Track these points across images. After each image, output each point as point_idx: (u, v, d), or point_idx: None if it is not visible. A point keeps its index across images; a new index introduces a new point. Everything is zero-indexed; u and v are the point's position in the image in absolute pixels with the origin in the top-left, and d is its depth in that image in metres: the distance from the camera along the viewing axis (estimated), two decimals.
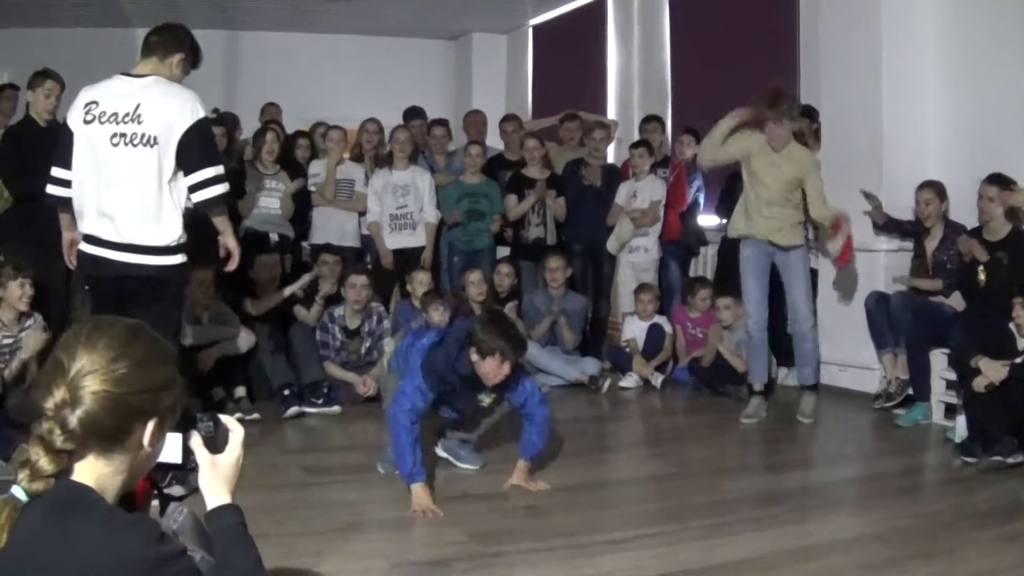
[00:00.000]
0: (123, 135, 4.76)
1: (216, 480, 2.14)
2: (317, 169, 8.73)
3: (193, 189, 4.88)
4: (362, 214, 8.78)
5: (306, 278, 7.55)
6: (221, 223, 5.16)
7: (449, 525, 4.47)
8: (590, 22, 12.26)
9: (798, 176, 6.74)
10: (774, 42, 9.34)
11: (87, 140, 4.81)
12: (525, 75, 13.84)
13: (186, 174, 4.86)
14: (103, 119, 4.79)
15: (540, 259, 8.62)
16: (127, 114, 4.77)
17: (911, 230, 7.13)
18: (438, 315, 7.52)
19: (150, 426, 1.93)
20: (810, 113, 8.03)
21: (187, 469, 2.15)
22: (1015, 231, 6.44)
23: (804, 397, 6.95)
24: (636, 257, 8.89)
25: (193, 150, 4.83)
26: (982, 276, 6.43)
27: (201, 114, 4.87)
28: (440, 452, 5.56)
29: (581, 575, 3.89)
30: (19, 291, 6.05)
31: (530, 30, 13.71)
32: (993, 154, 6.77)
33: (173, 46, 5.03)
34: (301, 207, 8.61)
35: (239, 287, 7.56)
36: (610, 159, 9.96)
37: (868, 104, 7.38)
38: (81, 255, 5.02)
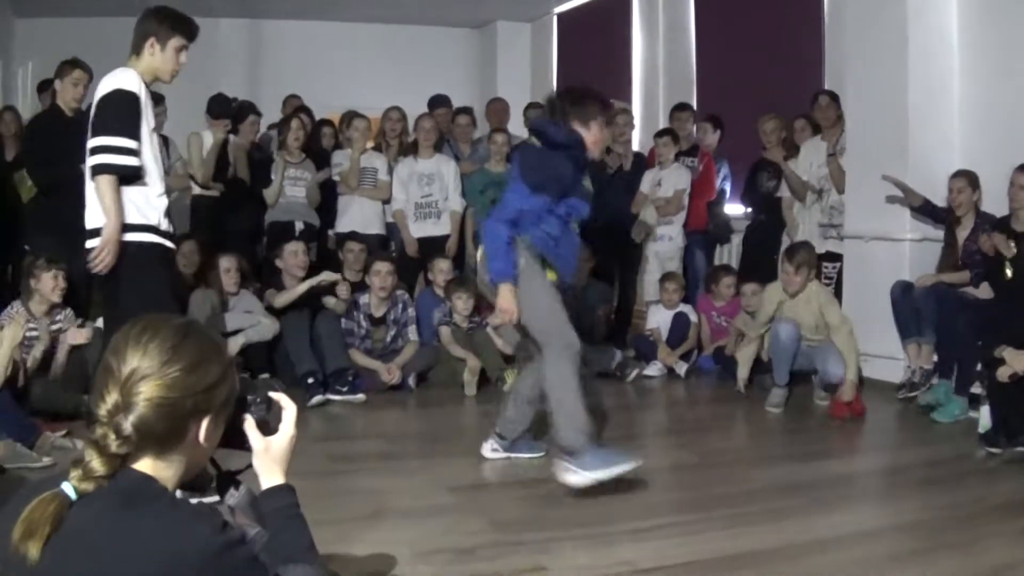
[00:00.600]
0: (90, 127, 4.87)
1: (269, 462, 2.16)
2: (340, 159, 8.76)
3: (90, 153, 4.80)
4: (386, 202, 8.80)
5: (327, 277, 7.49)
6: (104, 197, 4.75)
7: (472, 514, 4.49)
8: (615, 9, 12.22)
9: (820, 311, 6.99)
10: (800, 29, 9.30)
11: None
12: (549, 63, 13.81)
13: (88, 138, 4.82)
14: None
15: None
16: (91, 105, 4.94)
17: (944, 217, 7.11)
18: (462, 303, 7.55)
19: (205, 423, 1.95)
20: (836, 98, 8.02)
21: (243, 449, 2.16)
22: None
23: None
24: (661, 246, 8.89)
25: (97, 114, 4.80)
26: (1008, 271, 6.40)
27: (111, 87, 4.78)
28: (496, 454, 5.43)
29: (603, 564, 3.89)
30: (52, 283, 6.11)
31: (555, 18, 13.67)
32: (1020, 142, 6.74)
33: (142, 34, 4.92)
34: (327, 196, 8.65)
35: (267, 276, 7.62)
36: (635, 147, 9.94)
37: (894, 92, 7.34)
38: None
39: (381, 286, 7.43)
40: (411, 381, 7.46)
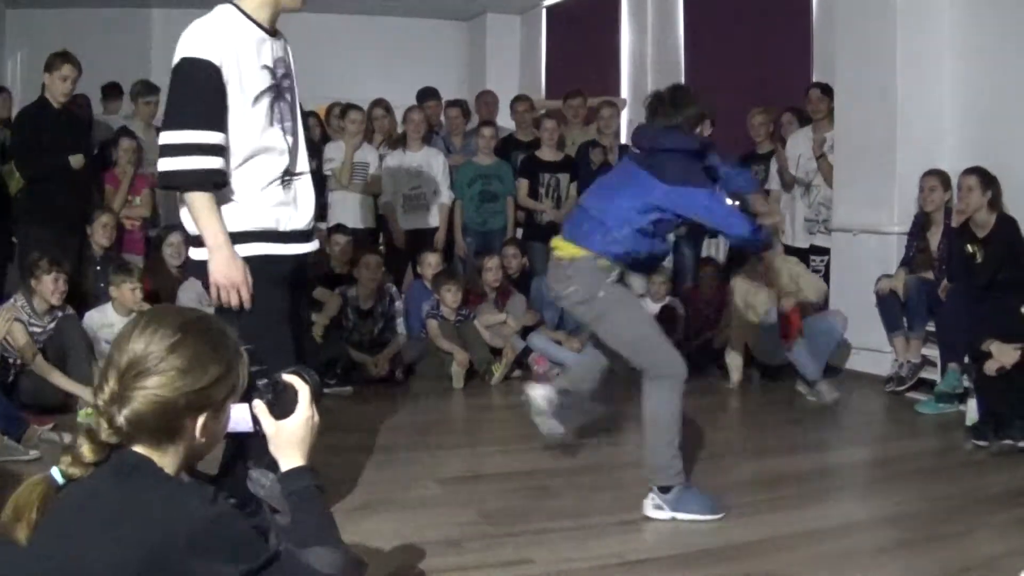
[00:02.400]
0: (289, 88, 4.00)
1: (285, 445, 2.13)
2: (332, 153, 8.67)
3: (159, 156, 3.60)
4: (377, 196, 8.78)
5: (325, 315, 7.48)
6: (199, 218, 3.58)
7: (461, 505, 4.49)
8: (604, 3, 12.21)
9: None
10: (789, 25, 9.31)
11: None
12: (539, 56, 13.79)
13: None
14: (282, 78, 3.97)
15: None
16: (285, 66, 3.98)
17: (917, 223, 7.14)
18: (450, 296, 7.55)
19: (201, 419, 1.93)
20: (828, 91, 8.03)
21: (259, 435, 2.13)
22: (1001, 219, 6.44)
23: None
24: None
25: (167, 104, 3.65)
26: (978, 256, 6.45)
27: (180, 55, 3.55)
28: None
29: (592, 556, 3.89)
30: (52, 285, 6.09)
31: (544, 11, 13.66)
32: (1008, 142, 6.77)
33: None
34: (316, 190, 8.61)
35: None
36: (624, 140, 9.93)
37: (883, 85, 7.36)
38: None
39: (370, 279, 7.42)
40: (399, 374, 7.45)
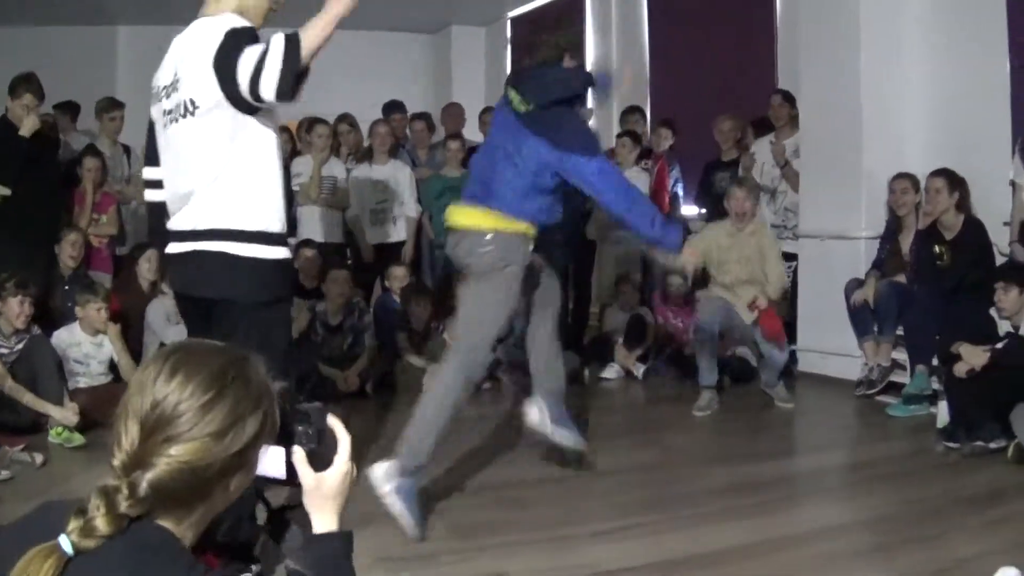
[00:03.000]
0: (168, 112, 3.68)
1: (321, 500, 1.88)
2: (300, 168, 8.64)
3: (252, 89, 3.49)
4: (345, 210, 8.75)
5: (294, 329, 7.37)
6: (319, 26, 3.80)
7: (433, 518, 4.46)
8: (568, 13, 12.24)
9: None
10: (753, 30, 9.34)
11: (156, 125, 3.83)
12: (504, 67, 13.79)
13: (238, 88, 3.50)
14: (158, 96, 3.77)
15: None
16: (171, 83, 3.68)
17: (889, 227, 7.16)
18: (420, 309, 7.52)
19: (235, 479, 1.70)
20: (789, 98, 8.07)
21: (293, 485, 1.88)
22: (968, 221, 6.48)
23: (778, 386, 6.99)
24: (619, 249, 8.88)
25: (223, 66, 3.48)
26: (946, 258, 6.49)
27: (224, 32, 3.54)
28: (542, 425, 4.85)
29: (566, 566, 3.88)
30: (18, 308, 6.01)
31: (508, 22, 13.68)
32: (973, 144, 6.82)
33: None
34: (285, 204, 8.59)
35: None
36: None
37: (847, 92, 7.39)
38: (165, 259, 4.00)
39: (338, 293, 7.39)
40: (369, 388, 7.41)
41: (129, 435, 1.62)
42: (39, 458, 5.21)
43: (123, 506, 1.58)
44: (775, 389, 6.91)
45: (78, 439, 5.74)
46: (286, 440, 1.84)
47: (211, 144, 3.59)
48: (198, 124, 3.57)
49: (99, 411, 6.08)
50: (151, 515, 1.61)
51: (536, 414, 4.78)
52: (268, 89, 3.47)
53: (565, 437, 4.87)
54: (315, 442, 1.86)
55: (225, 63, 3.46)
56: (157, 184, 3.92)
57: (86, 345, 6.39)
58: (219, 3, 3.71)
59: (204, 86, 3.52)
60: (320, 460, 1.87)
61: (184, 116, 3.59)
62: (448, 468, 5.31)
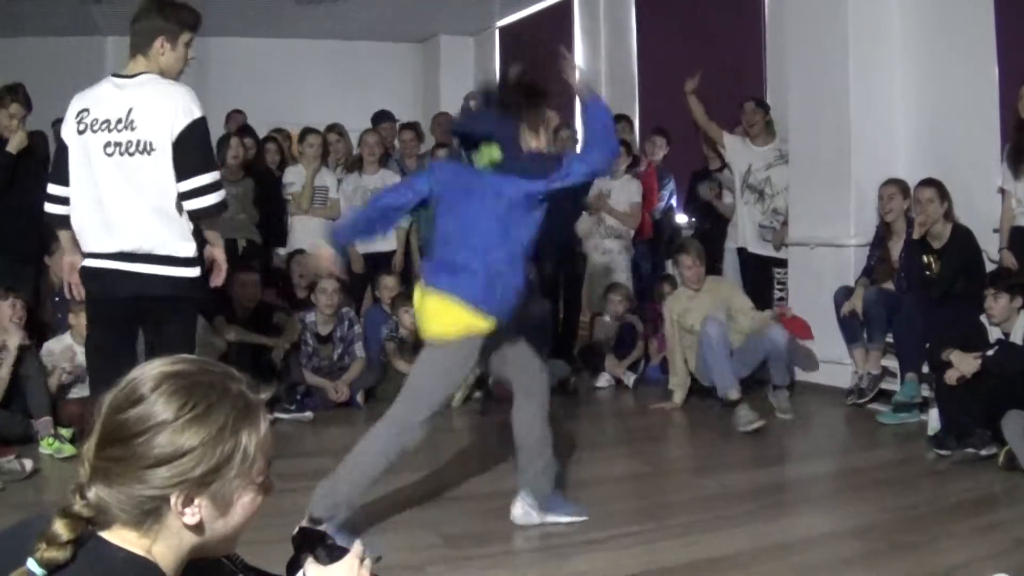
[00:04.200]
0: (117, 144, 4.35)
1: None
2: (292, 178, 8.67)
3: (185, 197, 4.39)
4: (336, 220, 8.75)
5: (269, 343, 7.38)
6: (212, 235, 4.69)
7: (422, 528, 4.45)
8: (557, 23, 12.26)
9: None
10: (741, 41, 9.36)
11: (82, 151, 4.42)
12: (492, 77, 13.78)
13: (178, 180, 4.37)
14: (95, 127, 4.39)
15: None
16: (119, 120, 4.36)
17: (878, 234, 7.17)
18: (409, 319, 7.50)
19: (177, 496, 1.58)
20: (762, 105, 8.10)
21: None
22: (956, 229, 6.49)
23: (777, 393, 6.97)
24: (609, 258, 8.88)
25: (186, 153, 4.36)
26: (935, 267, 6.51)
27: (197, 114, 4.40)
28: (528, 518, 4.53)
29: (557, 575, 3.87)
30: (9, 311, 6.00)
31: (497, 32, 13.69)
32: (961, 151, 6.84)
33: (149, 33, 4.47)
34: (271, 213, 8.59)
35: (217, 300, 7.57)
36: None
37: (835, 102, 7.41)
38: (84, 272, 4.57)
39: (327, 304, 7.37)
40: (359, 398, 7.40)
41: (91, 449, 1.59)
42: (28, 464, 5.19)
43: (76, 506, 1.55)
44: (778, 398, 6.86)
45: (69, 450, 5.72)
46: (304, 547, 1.85)
47: (162, 180, 4.38)
48: (154, 162, 4.36)
49: (91, 422, 6.06)
50: (106, 522, 1.57)
51: (520, 514, 4.50)
52: (192, 206, 4.43)
53: (561, 520, 4.53)
54: (328, 557, 1.83)
55: (183, 158, 4.37)
56: (62, 201, 4.56)
57: (80, 355, 6.36)
58: (147, 64, 4.48)
59: (162, 139, 4.35)
60: (327, 560, 1.83)
61: (141, 153, 4.35)
62: (436, 478, 5.31)
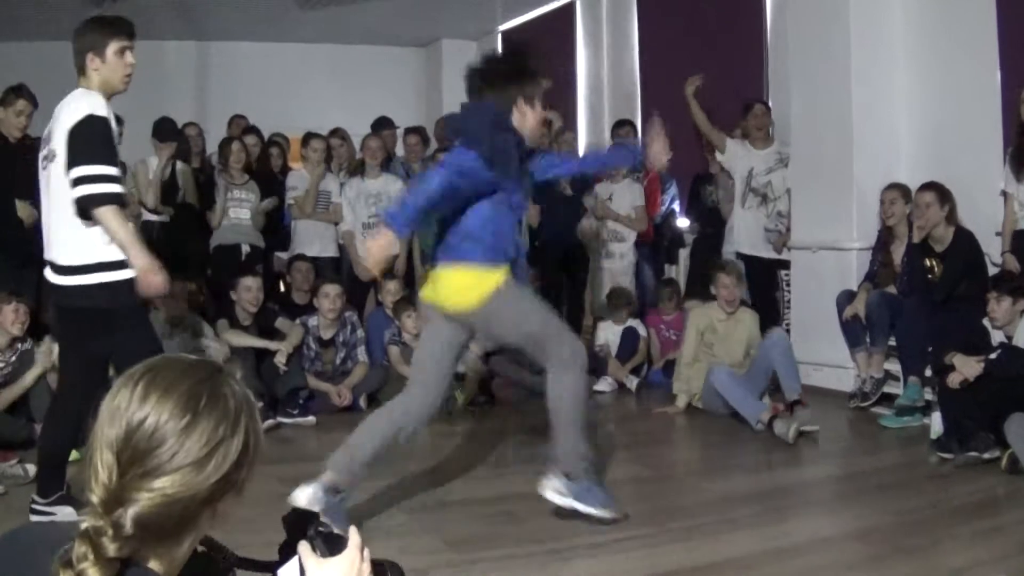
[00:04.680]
0: (44, 157, 4.49)
1: None
2: (295, 182, 8.69)
3: (74, 186, 4.27)
4: (338, 224, 8.77)
5: (272, 346, 7.34)
6: (111, 228, 4.31)
7: (426, 532, 4.45)
8: (559, 27, 12.25)
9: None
10: (742, 45, 9.35)
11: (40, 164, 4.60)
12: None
13: (66, 173, 4.30)
14: (41, 145, 4.59)
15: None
16: (46, 136, 4.52)
17: (880, 238, 7.17)
18: (411, 323, 7.51)
19: (223, 504, 1.58)
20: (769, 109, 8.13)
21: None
22: (958, 233, 6.48)
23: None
24: (612, 263, 8.89)
25: (72, 147, 4.29)
26: (937, 271, 6.51)
27: (85, 112, 4.32)
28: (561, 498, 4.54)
29: None
30: (12, 315, 6.00)
31: (499, 36, 13.68)
32: (964, 155, 6.84)
33: (79, 52, 4.52)
34: (273, 217, 8.62)
35: (217, 300, 7.58)
36: None
37: (837, 105, 7.41)
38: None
39: (330, 308, 7.38)
40: (362, 402, 7.40)
41: (106, 468, 1.49)
42: (32, 470, 5.18)
43: (111, 549, 1.44)
44: (801, 418, 6.39)
45: (73, 454, 5.71)
46: (297, 533, 1.76)
47: (65, 185, 4.32)
48: (58, 168, 4.36)
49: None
50: (140, 554, 1.49)
51: (552, 491, 4.50)
52: (76, 194, 4.29)
53: (589, 510, 4.47)
54: (324, 548, 1.73)
55: (73, 148, 4.31)
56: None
57: None
58: (89, 81, 4.51)
59: (61, 141, 4.34)
60: (326, 551, 1.73)
61: (50, 161, 4.42)
62: (440, 482, 5.31)
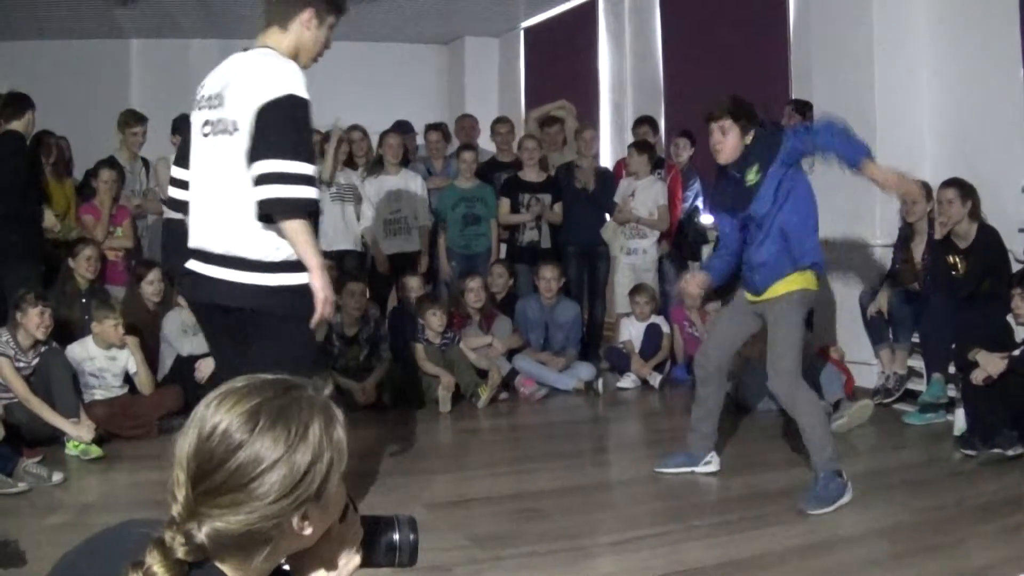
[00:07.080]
0: (210, 122, 3.88)
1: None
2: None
3: (257, 183, 3.70)
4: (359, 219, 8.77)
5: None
6: (298, 243, 3.77)
7: (450, 529, 4.46)
8: (581, 23, 12.25)
9: None
10: (766, 40, 9.33)
11: (192, 130, 4.02)
12: (517, 78, 13.82)
13: (248, 164, 3.72)
14: (200, 104, 3.97)
15: (535, 263, 8.57)
16: (213, 96, 3.89)
17: (902, 234, 7.14)
18: (435, 319, 7.52)
19: (298, 518, 1.54)
20: (802, 108, 8.06)
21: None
22: (982, 229, 6.45)
23: None
24: (635, 259, 8.88)
25: (261, 134, 3.70)
26: (960, 267, 6.48)
27: (286, 91, 3.71)
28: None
29: None
30: (37, 319, 6.03)
31: (521, 33, 13.70)
32: (986, 151, 6.81)
33: (289, 8, 4.01)
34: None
35: None
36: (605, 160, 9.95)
37: (860, 101, 7.37)
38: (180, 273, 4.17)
39: (354, 306, 7.39)
40: (386, 398, 7.41)
41: (183, 490, 1.50)
42: (57, 476, 5.21)
43: (180, 552, 1.47)
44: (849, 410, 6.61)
45: (95, 451, 5.76)
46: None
47: (243, 167, 3.74)
48: (237, 144, 3.76)
49: (116, 423, 6.13)
50: (212, 559, 1.51)
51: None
52: (257, 196, 3.70)
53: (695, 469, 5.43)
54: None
55: (264, 135, 3.69)
56: (183, 184, 4.10)
57: (100, 359, 6.41)
58: (279, 37, 4.00)
59: (246, 116, 3.73)
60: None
61: (225, 133, 3.80)
62: (464, 479, 5.33)
